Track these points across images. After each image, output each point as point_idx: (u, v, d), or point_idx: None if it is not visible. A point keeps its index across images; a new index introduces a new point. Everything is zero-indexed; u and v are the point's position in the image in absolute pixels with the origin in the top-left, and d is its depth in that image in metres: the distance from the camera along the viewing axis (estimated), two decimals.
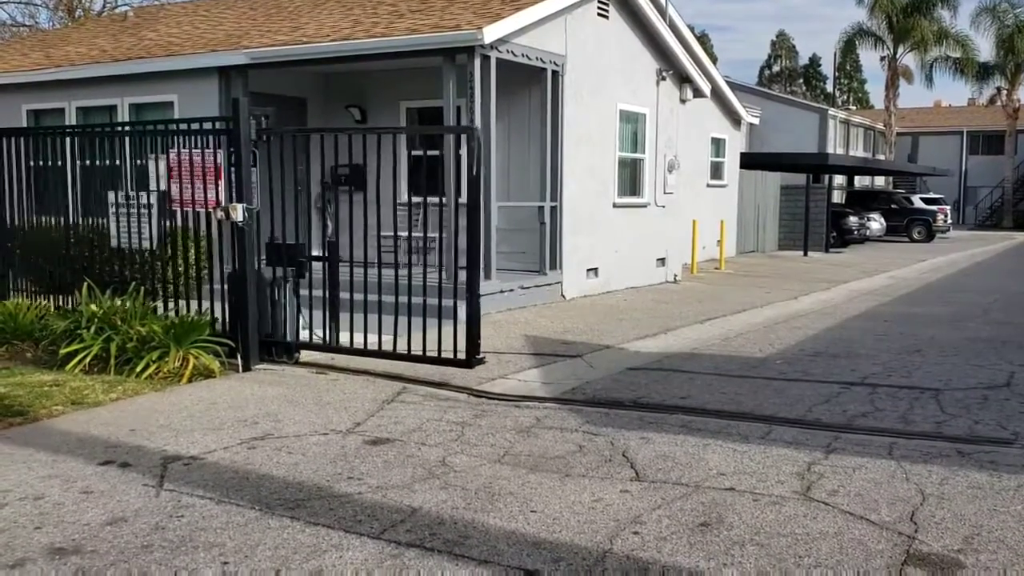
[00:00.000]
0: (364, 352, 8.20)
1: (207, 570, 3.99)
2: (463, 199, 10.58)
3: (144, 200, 8.94)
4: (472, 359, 7.83)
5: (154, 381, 7.58)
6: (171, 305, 8.82)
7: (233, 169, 8.23)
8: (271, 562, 4.07)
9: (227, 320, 8.46)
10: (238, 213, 8.12)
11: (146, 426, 6.28)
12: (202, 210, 8.54)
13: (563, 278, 12.43)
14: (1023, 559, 4.11)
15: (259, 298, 8.34)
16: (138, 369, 7.68)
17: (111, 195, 9.16)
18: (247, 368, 8.13)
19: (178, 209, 8.75)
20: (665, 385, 7.85)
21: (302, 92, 14.89)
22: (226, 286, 8.51)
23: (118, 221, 9.14)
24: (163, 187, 8.80)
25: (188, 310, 8.68)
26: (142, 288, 8.78)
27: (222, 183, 8.37)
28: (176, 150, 8.68)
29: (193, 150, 8.59)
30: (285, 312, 8.43)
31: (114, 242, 9.23)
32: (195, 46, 14.29)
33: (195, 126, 8.62)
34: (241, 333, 8.24)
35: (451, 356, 7.76)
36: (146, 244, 8.98)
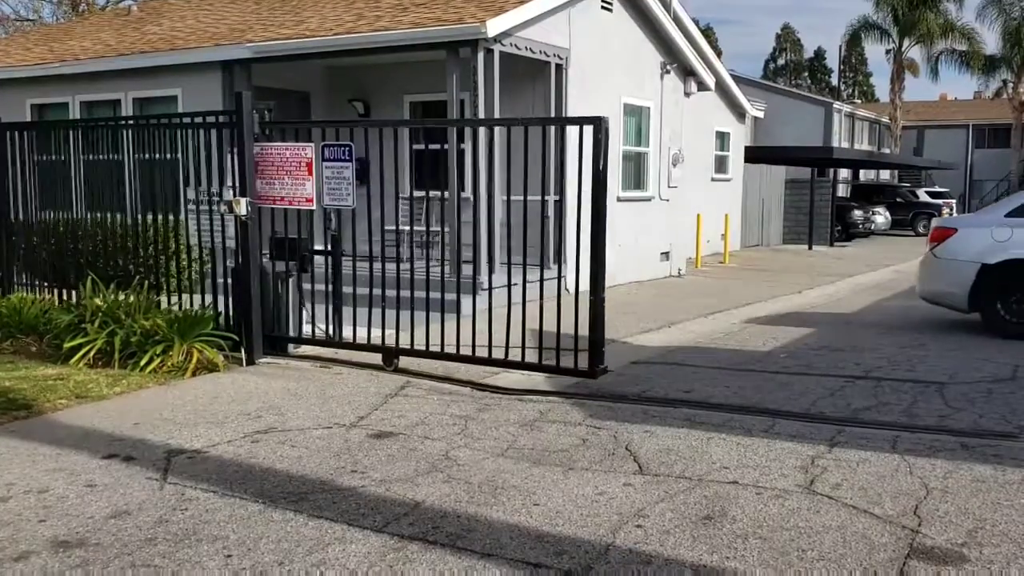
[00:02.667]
0: (443, 355, 7.72)
1: (210, 563, 4.00)
2: (466, 193, 10.54)
3: (227, 198, 8.29)
4: (595, 368, 7.24)
5: (158, 375, 7.59)
6: (175, 299, 8.83)
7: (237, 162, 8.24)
8: (274, 555, 4.08)
9: (231, 314, 8.47)
10: (242, 207, 8.12)
11: (150, 420, 6.29)
12: (291, 207, 8.21)
13: (567, 272, 12.44)
14: None
15: (263, 292, 8.34)
16: (142, 363, 7.69)
17: (188, 191, 8.72)
18: (251, 362, 8.14)
19: (264, 206, 8.32)
20: (669, 379, 7.83)
21: (305, 86, 14.88)
22: (230, 280, 8.52)
23: (198, 219, 8.62)
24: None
25: (192, 304, 8.69)
26: (146, 282, 8.79)
27: (313, 179, 8.04)
28: (260, 144, 8.27)
29: (281, 143, 8.25)
30: (289, 306, 8.44)
31: (192, 241, 8.77)
32: (199, 40, 14.29)
33: (198, 120, 8.61)
34: (245, 327, 8.25)
35: (570, 366, 7.26)
36: (230, 244, 8.44)
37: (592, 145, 6.97)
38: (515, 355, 7.53)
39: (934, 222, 11.37)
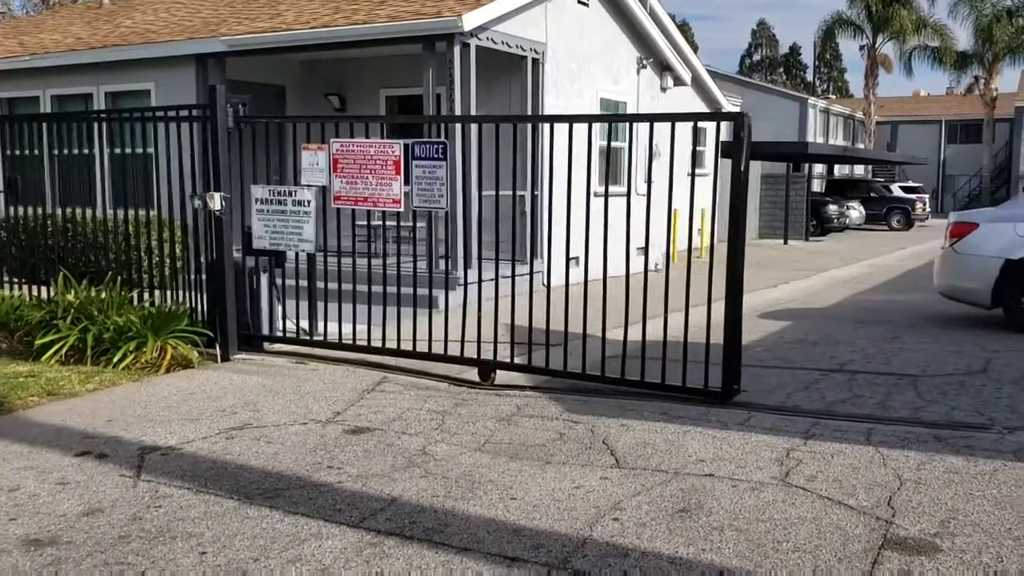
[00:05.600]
0: (557, 372, 7.23)
1: (185, 560, 3.96)
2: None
3: (301, 197, 7.94)
4: (730, 388, 6.64)
5: (131, 372, 7.52)
6: (149, 295, 8.75)
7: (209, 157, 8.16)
8: (249, 551, 4.05)
9: (205, 310, 8.40)
10: (215, 202, 8.05)
11: (123, 416, 6.23)
12: (375, 208, 7.75)
13: (545, 267, 12.45)
14: (998, 542, 4.14)
15: (237, 288, 8.28)
16: (115, 359, 7.61)
17: (257, 190, 8.17)
18: (226, 358, 8.08)
19: (344, 207, 7.86)
20: (646, 373, 7.83)
21: (281, 80, 14.79)
22: (204, 276, 8.45)
23: (267, 221, 8.11)
24: (322, 181, 7.86)
25: (166, 300, 8.61)
26: (119, 278, 8.70)
27: (401, 178, 7.50)
28: (340, 140, 7.79)
29: (365, 140, 7.79)
30: (264, 302, 8.38)
31: (259, 244, 8.23)
32: (172, 33, 14.15)
33: (171, 114, 8.53)
34: (219, 323, 8.19)
35: (700, 387, 6.66)
36: (306, 247, 8.05)
37: (732, 143, 6.45)
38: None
39: (952, 216, 11.31)
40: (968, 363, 8.40)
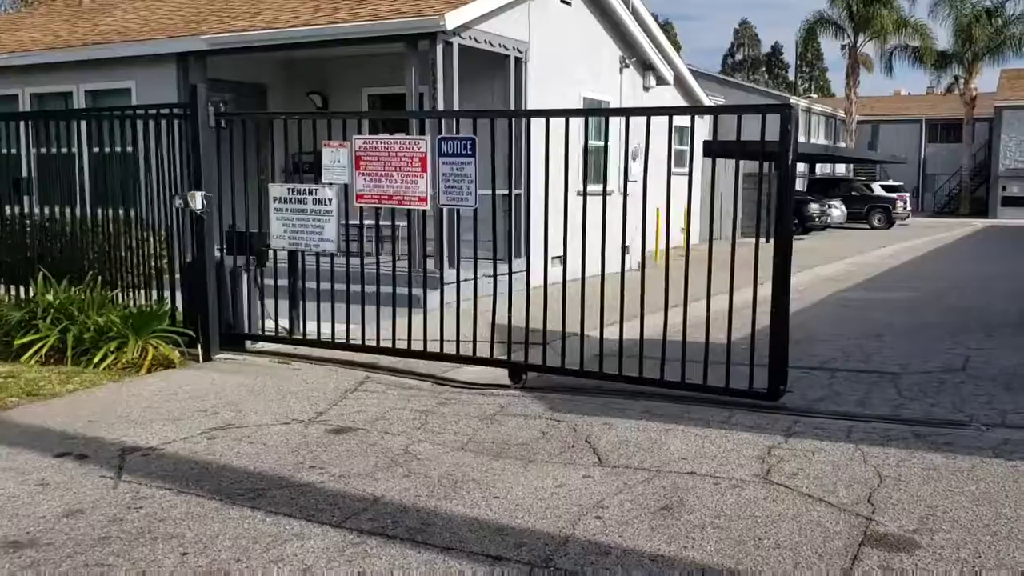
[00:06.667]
0: (590, 374, 7.10)
1: (166, 561, 3.94)
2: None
3: (322, 195, 7.76)
4: (777, 389, 6.50)
5: (112, 372, 7.48)
6: (130, 295, 8.70)
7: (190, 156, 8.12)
8: (231, 552, 4.03)
9: (187, 310, 8.36)
10: (196, 201, 8.01)
11: (104, 417, 6.19)
12: (400, 207, 7.58)
13: (528, 266, 12.46)
14: (976, 538, 4.18)
15: (219, 287, 8.24)
16: (96, 360, 7.56)
17: (275, 189, 8.02)
18: (208, 358, 8.04)
19: (367, 205, 7.69)
20: (628, 372, 7.85)
21: (262, 79, 14.72)
22: (185, 275, 8.40)
23: (285, 220, 7.94)
24: (344, 179, 7.67)
25: (148, 300, 8.56)
26: (100, 278, 8.65)
27: (428, 175, 7.32)
28: (363, 136, 7.63)
29: (389, 136, 7.58)
30: (246, 301, 8.35)
31: (277, 244, 8.09)
32: (152, 32, 14.07)
33: (151, 112, 8.48)
34: (201, 323, 8.15)
35: (744, 387, 6.51)
36: (327, 247, 7.84)
37: (780, 138, 6.25)
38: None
39: None
40: (948, 361, 8.48)
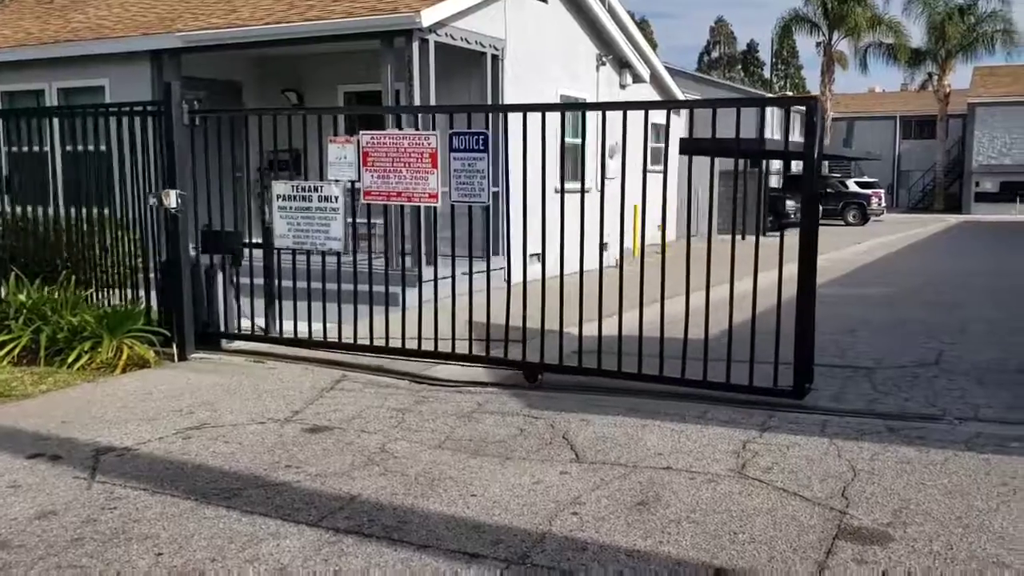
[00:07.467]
0: (609, 373, 6.98)
1: (140, 561, 3.92)
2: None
3: (328, 193, 7.62)
4: (802, 387, 6.47)
5: (86, 372, 7.41)
6: (105, 294, 8.62)
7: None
8: (206, 552, 4.01)
9: (162, 309, 8.30)
10: (171, 199, 7.95)
11: (78, 418, 6.14)
12: (410, 204, 7.50)
13: (507, 263, 12.48)
14: (948, 531, 4.23)
15: (194, 286, 8.19)
16: (70, 360, 7.49)
17: (279, 186, 7.87)
18: (183, 357, 7.99)
19: (375, 202, 7.56)
20: (608, 367, 7.87)
21: (237, 76, 14.63)
22: (160, 274, 8.34)
23: (290, 219, 7.81)
24: (351, 176, 7.54)
25: (123, 299, 8.49)
26: (73, 277, 8.57)
27: (438, 171, 7.18)
28: (371, 132, 7.43)
29: (398, 131, 7.45)
30: (221, 300, 8.30)
31: (281, 243, 7.94)
32: (126, 29, 13.94)
33: (126, 109, 8.41)
34: (176, 322, 8.09)
35: (769, 385, 6.47)
36: (334, 245, 7.70)
37: (805, 130, 6.28)
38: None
39: None
40: (922, 355, 8.56)
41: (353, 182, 7.58)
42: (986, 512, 4.45)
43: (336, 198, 7.60)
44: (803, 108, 6.36)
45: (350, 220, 7.78)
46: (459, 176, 7.13)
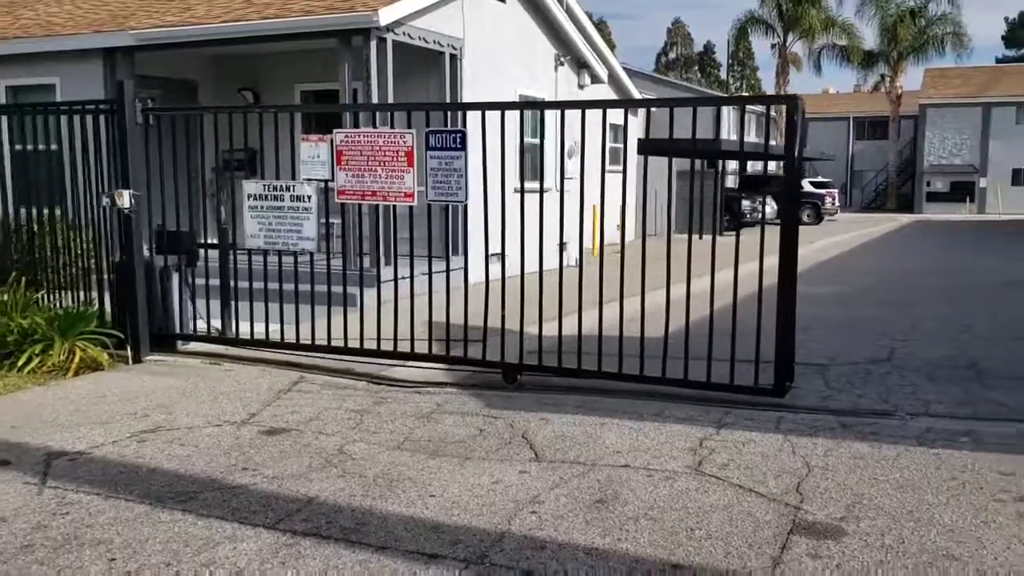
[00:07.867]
0: (588, 373, 6.97)
1: (93, 567, 3.85)
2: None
3: (301, 192, 7.51)
4: (783, 385, 6.53)
5: (38, 375, 7.28)
6: (57, 296, 8.47)
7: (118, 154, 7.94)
8: (161, 556, 3.96)
9: (116, 311, 8.17)
10: (124, 199, 7.83)
11: (29, 422, 6.02)
12: (385, 203, 7.41)
13: (466, 263, 12.47)
14: (900, 524, 4.31)
15: (149, 287, 8.08)
16: (20, 363, 7.35)
17: (250, 185, 7.76)
18: (138, 360, 7.88)
19: (350, 202, 7.52)
20: (568, 364, 7.90)
21: (192, 75, 14.45)
22: (114, 275, 8.21)
23: (261, 219, 7.66)
24: (324, 175, 7.44)
25: (75, 301, 8.34)
26: (23, 279, 8.40)
27: (414, 170, 7.10)
28: (345, 131, 7.34)
29: (372, 130, 7.36)
30: (176, 302, 8.19)
31: (252, 243, 7.75)
32: (78, 26, 13.70)
33: (76, 108, 8.27)
34: (130, 324, 7.97)
35: (750, 384, 6.51)
36: (307, 246, 7.60)
37: (786, 130, 6.37)
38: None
39: None
40: (874, 352, 8.71)
41: (326, 181, 7.50)
42: (936, 506, 4.53)
43: (309, 197, 7.51)
44: (783, 107, 6.43)
45: (323, 220, 7.73)
46: (436, 175, 7.07)
